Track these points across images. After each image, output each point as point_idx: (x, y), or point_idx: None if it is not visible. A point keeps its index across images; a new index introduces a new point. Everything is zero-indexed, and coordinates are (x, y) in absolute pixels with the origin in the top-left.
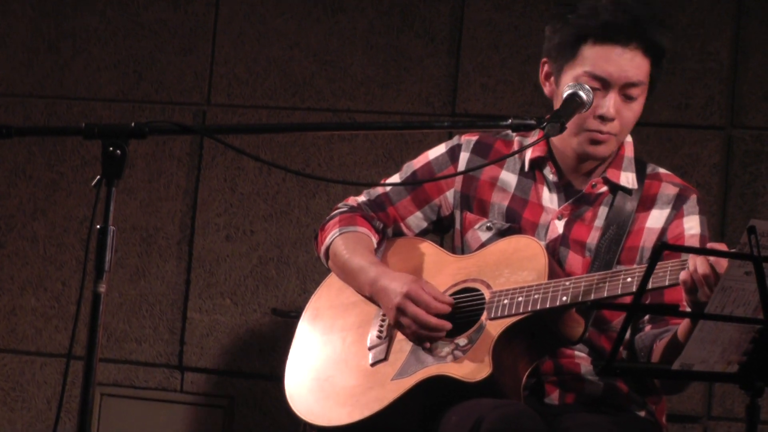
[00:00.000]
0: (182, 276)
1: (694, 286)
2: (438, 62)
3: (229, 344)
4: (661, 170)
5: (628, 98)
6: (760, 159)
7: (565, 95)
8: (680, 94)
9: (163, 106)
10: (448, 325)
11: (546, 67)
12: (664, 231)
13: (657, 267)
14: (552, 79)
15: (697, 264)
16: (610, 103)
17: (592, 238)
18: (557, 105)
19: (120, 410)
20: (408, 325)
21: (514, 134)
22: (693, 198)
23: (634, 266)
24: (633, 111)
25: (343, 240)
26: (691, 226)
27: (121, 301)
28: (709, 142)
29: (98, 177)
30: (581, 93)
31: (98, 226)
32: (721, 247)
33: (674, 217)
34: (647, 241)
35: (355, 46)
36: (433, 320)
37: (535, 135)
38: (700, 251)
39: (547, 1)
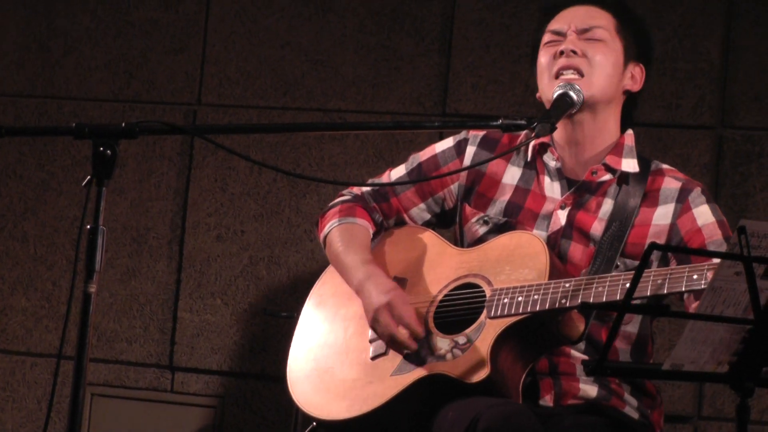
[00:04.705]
0: (173, 276)
1: None
2: (429, 62)
3: (219, 344)
4: (665, 166)
5: (592, 40)
6: (751, 159)
7: (555, 95)
8: (671, 95)
9: (153, 105)
10: (413, 345)
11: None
12: (673, 226)
13: (676, 271)
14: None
15: None
16: (567, 41)
17: (596, 228)
18: (542, 93)
19: (110, 410)
20: (381, 332)
21: None
22: (697, 190)
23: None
24: (601, 52)
25: (340, 231)
26: (705, 217)
27: (111, 301)
28: (699, 142)
29: (89, 177)
30: (571, 93)
31: (88, 226)
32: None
33: (681, 211)
34: (654, 237)
35: (345, 45)
36: (403, 334)
37: None
38: (691, 251)
39: (537, 1)
